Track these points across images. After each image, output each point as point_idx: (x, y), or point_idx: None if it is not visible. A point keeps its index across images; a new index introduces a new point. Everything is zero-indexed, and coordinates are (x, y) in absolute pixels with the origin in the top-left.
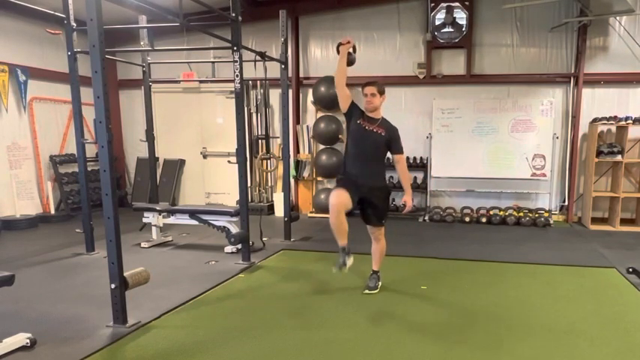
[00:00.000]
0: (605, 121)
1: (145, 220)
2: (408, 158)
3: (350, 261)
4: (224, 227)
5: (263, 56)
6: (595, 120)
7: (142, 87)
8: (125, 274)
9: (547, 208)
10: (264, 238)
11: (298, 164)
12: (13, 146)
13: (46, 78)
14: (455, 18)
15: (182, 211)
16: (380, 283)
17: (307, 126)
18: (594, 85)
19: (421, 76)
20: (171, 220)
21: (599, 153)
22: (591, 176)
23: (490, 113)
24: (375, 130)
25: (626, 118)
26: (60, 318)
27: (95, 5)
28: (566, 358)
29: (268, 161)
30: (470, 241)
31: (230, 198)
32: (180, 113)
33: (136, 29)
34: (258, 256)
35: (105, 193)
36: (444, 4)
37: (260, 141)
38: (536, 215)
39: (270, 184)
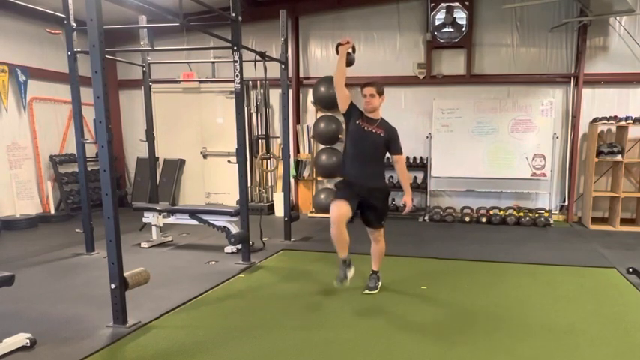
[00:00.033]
0: (605, 121)
1: (145, 220)
2: (407, 158)
3: (351, 273)
4: (224, 227)
5: (263, 56)
6: (595, 120)
7: (142, 87)
8: (125, 274)
9: (547, 208)
10: (264, 238)
11: (298, 164)
12: (13, 146)
13: (46, 78)
14: (455, 18)
15: (182, 211)
16: (380, 283)
17: (307, 126)
18: (594, 85)
19: (421, 76)
20: (171, 220)
21: (599, 153)
22: (591, 176)
23: (490, 113)
24: (374, 131)
25: (626, 118)
26: (60, 318)
27: (95, 5)
28: (566, 358)
29: (268, 161)
30: (470, 241)
31: (230, 198)
32: (180, 113)
33: (136, 29)
34: (258, 256)
35: (105, 193)
36: (444, 4)
37: (260, 141)
38: (536, 215)
39: (270, 184)
